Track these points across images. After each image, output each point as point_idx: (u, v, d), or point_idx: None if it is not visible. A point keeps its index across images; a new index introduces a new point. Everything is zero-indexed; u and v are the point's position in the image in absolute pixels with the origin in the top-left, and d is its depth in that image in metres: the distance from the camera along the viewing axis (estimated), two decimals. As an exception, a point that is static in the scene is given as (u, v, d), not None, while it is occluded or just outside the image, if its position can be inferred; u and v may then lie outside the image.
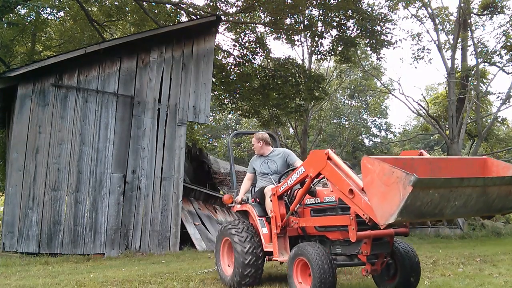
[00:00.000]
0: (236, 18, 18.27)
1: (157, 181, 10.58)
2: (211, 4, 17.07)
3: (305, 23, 17.81)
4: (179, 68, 11.26)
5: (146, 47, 10.94)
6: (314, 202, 4.81)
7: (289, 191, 4.98)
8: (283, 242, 4.95)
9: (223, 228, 5.58)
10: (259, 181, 5.77)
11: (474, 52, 19.53)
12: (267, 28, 18.71)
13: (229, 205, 5.97)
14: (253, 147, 6.02)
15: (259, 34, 18.96)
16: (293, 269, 4.42)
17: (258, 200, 5.53)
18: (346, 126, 34.81)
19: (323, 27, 17.83)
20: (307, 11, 17.48)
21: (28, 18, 16.76)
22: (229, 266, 5.49)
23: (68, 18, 19.22)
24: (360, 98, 36.44)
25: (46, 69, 9.75)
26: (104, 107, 10.33)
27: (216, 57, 18.61)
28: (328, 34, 17.96)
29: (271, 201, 5.00)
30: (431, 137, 37.23)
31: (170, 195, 10.67)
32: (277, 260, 5.00)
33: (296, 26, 17.85)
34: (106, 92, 10.37)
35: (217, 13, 16.54)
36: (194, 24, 11.91)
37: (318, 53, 19.48)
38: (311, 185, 4.52)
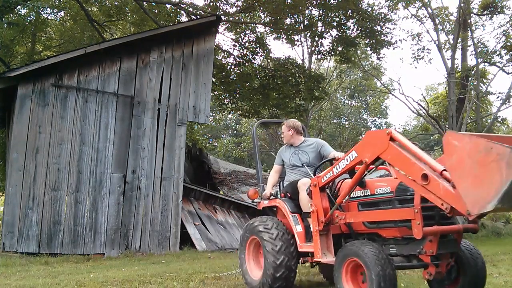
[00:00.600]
0: (236, 18, 18.28)
1: (157, 181, 10.58)
2: (211, 4, 17.07)
3: (305, 23, 17.82)
4: (179, 68, 11.27)
5: (146, 47, 10.94)
6: (362, 195, 4.15)
7: (331, 182, 4.35)
8: (326, 241, 4.28)
9: (249, 226, 5.01)
10: (289, 174, 5.21)
11: (474, 52, 19.51)
12: (267, 28, 18.72)
13: (255, 201, 5.49)
14: (282, 136, 5.57)
15: (259, 34, 18.97)
16: (342, 272, 3.76)
17: (289, 195, 4.96)
18: (346, 126, 34.82)
19: (323, 27, 17.84)
20: (307, 11, 17.49)
21: (28, 18, 16.76)
22: (256, 268, 4.92)
23: (68, 18, 19.23)
24: (360, 98, 36.45)
25: (46, 69, 9.76)
26: (104, 107, 10.33)
27: (216, 57, 18.62)
28: (328, 34, 17.99)
29: (308, 194, 4.41)
30: (431, 137, 37.23)
31: (170, 195, 10.67)
32: (317, 262, 4.41)
33: (296, 26, 17.86)
34: (106, 92, 10.37)
35: (217, 13, 16.56)
36: (194, 24, 11.94)
37: (318, 53, 19.51)
38: (366, 172, 3.88)
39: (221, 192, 15.94)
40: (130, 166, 10.39)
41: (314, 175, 4.64)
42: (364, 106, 37.32)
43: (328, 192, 4.43)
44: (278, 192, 5.29)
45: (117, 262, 8.60)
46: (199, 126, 29.05)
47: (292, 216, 4.71)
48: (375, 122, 40.69)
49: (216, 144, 34.49)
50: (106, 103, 10.38)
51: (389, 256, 3.61)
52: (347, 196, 4.07)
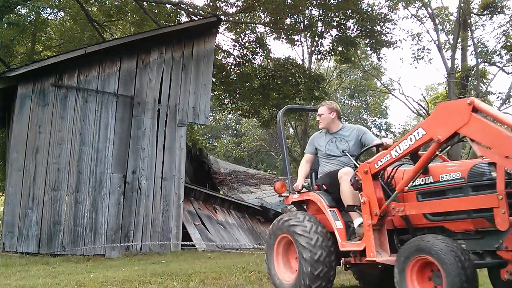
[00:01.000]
0: (236, 18, 18.29)
1: (158, 182, 10.57)
2: (211, 4, 17.07)
3: (305, 23, 17.83)
4: (179, 69, 11.25)
5: (146, 48, 10.93)
6: (423, 183, 3.54)
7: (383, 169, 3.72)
8: (380, 237, 3.66)
9: (280, 222, 4.37)
10: (324, 164, 4.60)
11: (474, 52, 19.55)
12: (267, 28, 18.73)
13: (282, 195, 4.78)
14: (318, 120, 4.71)
15: (259, 34, 18.98)
16: (407, 273, 3.18)
17: (324, 187, 4.38)
18: (346, 126, 34.81)
19: (323, 27, 17.85)
20: (307, 11, 17.50)
21: (28, 18, 16.76)
22: (286, 271, 4.37)
23: (68, 18, 19.24)
24: (360, 98, 36.50)
25: (46, 69, 9.74)
26: (104, 107, 10.32)
27: (216, 57, 18.63)
28: (328, 34, 17.99)
29: (352, 185, 3.84)
30: (431, 137, 37.20)
31: (171, 195, 10.66)
32: (371, 262, 3.70)
33: (296, 26, 17.86)
34: (106, 92, 10.36)
35: (217, 13, 16.56)
36: (194, 25, 11.92)
37: (318, 53, 19.51)
38: (437, 152, 3.32)
39: (221, 192, 15.93)
40: (130, 167, 10.37)
41: (356, 166, 4.00)
42: (364, 106, 37.37)
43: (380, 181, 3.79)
44: (311, 185, 4.68)
45: (117, 262, 8.59)
46: (199, 126, 29.03)
47: (330, 210, 4.15)
48: (375, 122, 40.74)
49: (216, 144, 34.50)
50: (106, 103, 10.37)
51: (469, 253, 3.05)
52: (410, 183, 3.48)
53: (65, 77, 10.04)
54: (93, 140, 10.08)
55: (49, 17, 18.77)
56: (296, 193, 4.60)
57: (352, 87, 34.39)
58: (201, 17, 14.12)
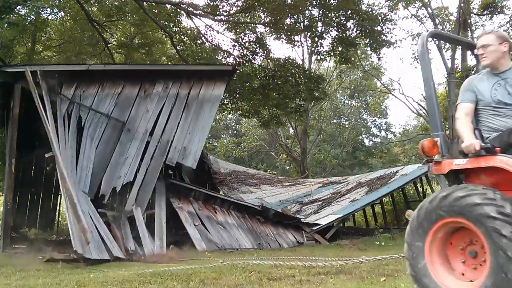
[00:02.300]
0: (236, 18, 18.30)
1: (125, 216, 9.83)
2: (211, 4, 17.08)
3: (305, 24, 17.84)
4: (181, 107, 10.83)
5: (153, 79, 10.72)
6: None
7: None
8: None
9: (448, 199, 2.95)
10: (488, 118, 3.31)
11: (474, 52, 19.53)
12: (267, 28, 18.73)
13: (434, 158, 3.35)
14: (482, 54, 3.34)
15: (259, 34, 18.99)
16: None
17: (498, 152, 3.01)
18: (346, 126, 34.86)
19: (323, 27, 17.85)
20: (307, 11, 17.50)
21: (28, 18, 16.77)
22: (445, 270, 3.05)
23: (68, 18, 19.23)
24: (360, 98, 36.51)
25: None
26: (93, 126, 10.13)
27: (216, 57, 18.66)
28: (328, 34, 17.99)
29: None
30: (431, 137, 37.21)
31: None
32: None
33: (296, 26, 17.87)
34: (99, 112, 10.21)
35: (217, 13, 16.59)
36: (207, 69, 11.51)
37: (318, 53, 19.51)
38: None
39: (221, 192, 15.93)
40: (101, 191, 9.87)
41: None
42: (364, 106, 37.37)
43: None
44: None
45: (117, 262, 8.59)
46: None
47: None
48: (375, 122, 40.76)
49: (216, 144, 34.50)
50: (96, 122, 10.16)
51: None
52: None
53: (63, 86, 9.97)
54: (73, 155, 9.70)
55: (49, 17, 18.76)
56: (464, 156, 3.13)
57: (352, 87, 34.40)
58: (216, 64, 13.04)
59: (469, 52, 20.45)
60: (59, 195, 15.05)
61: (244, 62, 18.66)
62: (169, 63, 12.41)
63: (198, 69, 11.35)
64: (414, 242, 3.17)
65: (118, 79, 10.43)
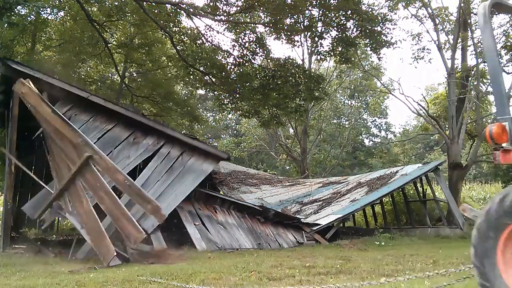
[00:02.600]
0: (236, 18, 18.30)
1: None
2: (211, 4, 17.07)
3: (305, 24, 17.82)
4: (167, 166, 10.63)
5: (146, 131, 10.57)
6: None
7: None
8: None
9: None
10: None
11: (474, 52, 19.51)
12: (267, 28, 18.72)
13: (503, 146, 2.98)
14: None
15: (259, 34, 18.98)
16: None
17: None
18: (346, 126, 34.87)
19: (323, 27, 17.84)
20: (307, 11, 17.49)
21: (28, 18, 16.76)
22: None
23: (68, 18, 19.23)
24: (360, 98, 36.52)
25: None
26: None
27: (216, 57, 18.65)
28: (328, 34, 17.98)
29: None
30: (431, 137, 37.25)
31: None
32: None
33: (296, 26, 17.85)
34: None
35: (217, 13, 16.60)
36: (203, 148, 11.15)
37: (318, 53, 19.50)
38: None
39: (221, 192, 15.93)
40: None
41: None
42: (364, 106, 37.39)
43: None
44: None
45: (117, 262, 8.58)
46: (198, 126, 29.09)
47: None
48: (375, 122, 40.76)
49: (216, 144, 34.51)
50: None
51: None
52: None
53: (58, 103, 9.91)
54: (44, 175, 9.82)
55: (49, 17, 18.75)
56: None
57: (352, 87, 34.40)
58: (214, 151, 12.37)
59: (469, 52, 20.49)
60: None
61: (244, 62, 18.65)
62: (170, 129, 11.55)
63: (195, 145, 10.96)
64: (482, 249, 2.89)
65: (113, 117, 10.31)
